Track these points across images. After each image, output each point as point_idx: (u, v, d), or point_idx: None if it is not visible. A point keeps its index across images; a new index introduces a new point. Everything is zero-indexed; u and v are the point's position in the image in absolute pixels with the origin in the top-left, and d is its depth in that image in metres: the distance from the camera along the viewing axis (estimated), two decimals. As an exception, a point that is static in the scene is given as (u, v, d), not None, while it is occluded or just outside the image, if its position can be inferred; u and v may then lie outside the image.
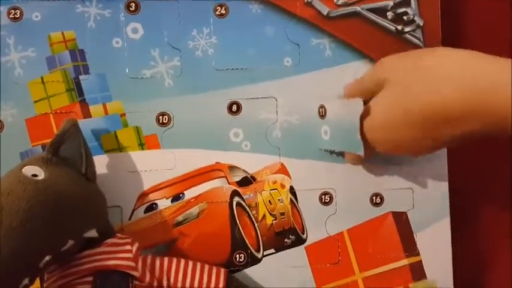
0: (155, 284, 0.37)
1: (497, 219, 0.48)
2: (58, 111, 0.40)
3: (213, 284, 0.38)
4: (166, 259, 0.38)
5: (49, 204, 0.31)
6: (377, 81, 0.37)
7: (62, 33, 0.40)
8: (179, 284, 0.38)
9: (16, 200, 0.30)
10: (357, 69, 0.42)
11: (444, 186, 0.44)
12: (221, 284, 0.39)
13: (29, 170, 0.32)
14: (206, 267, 0.39)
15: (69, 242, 0.33)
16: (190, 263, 0.39)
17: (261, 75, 0.42)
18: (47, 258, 0.31)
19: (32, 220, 0.30)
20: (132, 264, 0.35)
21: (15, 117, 0.40)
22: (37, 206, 0.30)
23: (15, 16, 0.40)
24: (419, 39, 0.43)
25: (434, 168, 0.44)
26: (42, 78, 0.40)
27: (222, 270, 0.39)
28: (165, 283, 0.37)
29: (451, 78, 0.33)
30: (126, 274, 0.35)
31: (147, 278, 0.36)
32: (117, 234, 0.37)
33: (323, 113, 0.42)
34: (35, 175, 0.32)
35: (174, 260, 0.39)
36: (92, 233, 0.35)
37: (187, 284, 0.38)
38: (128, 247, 0.36)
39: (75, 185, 0.35)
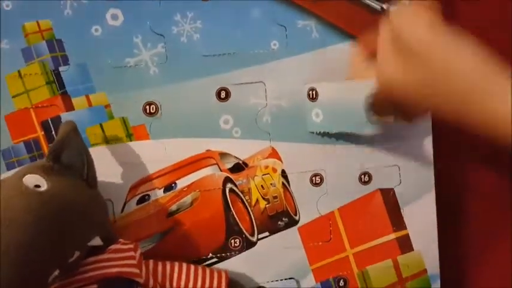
0: None
1: (481, 194, 0.50)
2: (39, 106, 0.39)
3: (215, 286, 0.39)
4: (168, 264, 0.39)
5: (55, 217, 0.30)
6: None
7: (37, 23, 0.38)
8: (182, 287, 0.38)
9: (22, 214, 0.29)
10: (344, 50, 0.42)
11: (429, 161, 0.45)
12: (223, 287, 0.39)
13: (30, 180, 0.31)
14: (207, 270, 0.40)
15: (76, 253, 0.32)
16: (192, 267, 0.39)
17: (249, 59, 0.42)
18: (56, 273, 0.30)
19: (40, 235, 0.29)
20: (136, 270, 0.35)
21: (-7, 114, 0.38)
22: (44, 220, 0.30)
23: (-17, 5, 0.37)
24: (403, 17, 0.44)
25: (420, 145, 0.45)
26: (19, 71, 0.38)
27: (223, 273, 0.40)
28: (167, 287, 0.38)
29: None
30: (130, 281, 0.35)
31: (151, 283, 0.37)
32: (120, 240, 0.36)
33: (314, 96, 0.42)
34: (38, 185, 0.31)
35: (176, 264, 0.39)
36: (96, 241, 0.34)
37: (190, 287, 0.38)
38: (132, 253, 0.36)
39: (79, 193, 0.34)
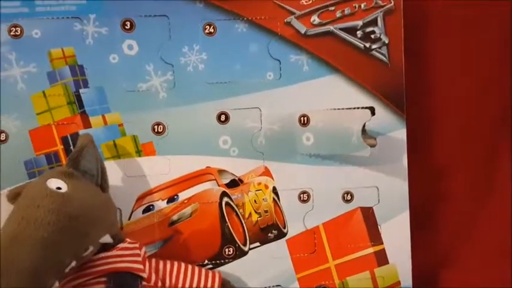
0: (159, 284, 0.41)
1: (452, 211, 0.55)
2: (60, 123, 0.43)
3: (209, 284, 0.43)
4: (168, 262, 0.43)
5: (74, 215, 0.34)
6: None
7: (62, 50, 0.43)
8: (180, 284, 0.42)
9: (46, 212, 0.33)
10: (331, 82, 0.48)
11: (404, 185, 0.50)
12: (216, 285, 0.43)
13: (53, 183, 0.35)
14: (203, 270, 0.44)
15: (90, 248, 0.36)
16: (190, 266, 0.43)
17: (246, 88, 0.47)
18: (73, 264, 0.34)
19: (60, 231, 0.33)
20: (141, 266, 0.39)
21: (18, 128, 0.43)
22: (65, 218, 0.34)
23: (16, 33, 0.42)
24: (384, 55, 0.49)
25: (396, 170, 0.50)
26: (44, 92, 0.43)
27: (217, 273, 0.44)
28: (167, 283, 0.42)
29: None
30: (135, 275, 0.39)
31: (153, 279, 0.40)
32: (127, 239, 0.40)
33: (305, 121, 0.47)
34: (59, 188, 0.35)
35: (176, 263, 0.43)
36: (107, 239, 0.38)
37: (187, 284, 0.42)
38: (137, 251, 0.40)
39: (94, 196, 0.38)
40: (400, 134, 0.50)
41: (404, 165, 0.50)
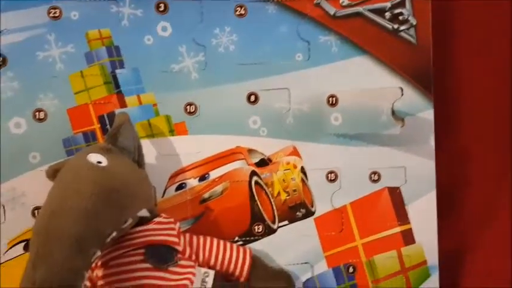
0: (193, 257, 0.43)
1: (478, 193, 0.56)
2: (97, 102, 0.45)
3: (240, 260, 0.45)
4: (201, 237, 0.44)
5: (115, 188, 0.36)
6: None
7: (99, 31, 0.45)
8: (212, 258, 0.44)
9: (89, 184, 0.35)
10: (359, 63, 0.48)
11: (431, 164, 0.50)
12: (247, 260, 0.45)
13: (93, 158, 0.37)
14: (235, 246, 0.45)
15: (129, 220, 0.38)
16: (222, 242, 0.45)
17: (276, 68, 0.48)
18: (114, 234, 0.36)
19: (102, 202, 0.34)
20: (176, 240, 0.41)
21: (57, 107, 0.44)
22: (106, 190, 0.35)
23: (55, 15, 0.44)
24: (412, 36, 0.50)
25: (423, 150, 0.50)
26: (81, 72, 0.44)
27: (248, 249, 0.45)
28: (201, 257, 0.43)
29: None
30: (171, 248, 0.41)
31: (187, 252, 0.42)
32: (162, 214, 0.42)
33: (333, 102, 0.48)
34: (99, 162, 0.37)
35: (208, 238, 0.44)
36: (144, 212, 0.40)
37: (220, 258, 0.44)
38: (172, 225, 0.41)
39: (132, 171, 0.40)
40: (428, 114, 0.50)
41: (431, 145, 0.50)
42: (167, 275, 0.40)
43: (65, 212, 0.34)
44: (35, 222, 0.34)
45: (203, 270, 0.42)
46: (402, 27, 0.49)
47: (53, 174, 0.42)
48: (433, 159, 0.51)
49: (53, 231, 0.33)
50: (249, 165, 0.48)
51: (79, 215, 0.34)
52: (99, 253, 0.35)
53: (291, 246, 0.49)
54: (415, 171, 0.50)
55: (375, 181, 0.50)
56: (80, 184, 0.35)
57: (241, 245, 0.48)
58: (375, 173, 0.50)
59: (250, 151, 0.48)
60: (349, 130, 0.48)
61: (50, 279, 0.31)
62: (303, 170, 0.49)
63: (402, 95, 0.49)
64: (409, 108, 0.50)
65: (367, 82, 0.49)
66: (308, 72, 0.48)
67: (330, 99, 0.48)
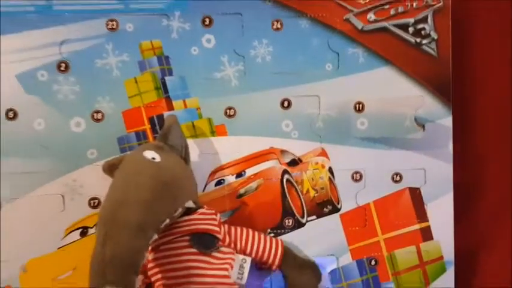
0: (232, 245, 0.47)
1: (493, 195, 0.59)
2: (148, 105, 0.50)
3: (273, 249, 0.49)
4: (239, 228, 0.49)
5: (168, 181, 0.41)
6: None
7: (151, 42, 0.50)
8: (248, 247, 0.48)
9: (147, 178, 0.40)
10: (384, 73, 0.53)
11: (449, 168, 0.54)
12: (280, 250, 0.49)
13: (148, 154, 0.42)
14: (268, 237, 0.50)
15: (179, 210, 0.42)
16: (257, 233, 0.49)
17: (308, 77, 0.52)
18: (167, 221, 0.41)
19: (158, 194, 0.39)
20: (217, 229, 0.46)
21: (113, 109, 0.50)
22: (161, 183, 0.40)
23: (112, 27, 0.49)
24: (433, 49, 0.54)
25: (442, 154, 0.54)
26: (135, 78, 0.50)
27: (280, 240, 0.50)
28: (238, 246, 0.48)
29: None
30: (213, 236, 0.45)
31: (227, 240, 0.47)
32: (204, 206, 0.47)
33: (360, 108, 0.52)
34: (154, 158, 0.42)
35: (245, 229, 0.49)
36: (190, 204, 0.44)
37: (255, 247, 0.49)
38: (214, 216, 0.46)
39: (181, 166, 0.45)
40: (447, 121, 0.54)
41: (449, 150, 0.54)
42: (210, 260, 0.44)
43: (128, 202, 0.38)
44: (101, 209, 0.39)
45: (241, 257, 0.47)
46: (424, 41, 0.54)
47: (108, 168, 0.48)
48: (451, 162, 0.55)
49: (119, 218, 0.38)
50: (281, 164, 0.53)
51: (140, 204, 0.39)
52: (155, 236, 0.40)
53: (318, 239, 0.53)
54: (434, 173, 0.54)
55: (396, 182, 0.54)
56: (139, 178, 0.40)
57: (273, 237, 0.52)
58: (397, 174, 0.54)
59: (283, 152, 0.53)
60: (374, 134, 0.53)
61: (117, 256, 0.36)
62: (330, 170, 0.54)
63: (422, 105, 0.53)
64: (429, 115, 0.54)
65: (391, 91, 0.53)
66: (337, 81, 0.53)
67: (357, 105, 0.53)
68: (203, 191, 0.52)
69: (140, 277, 0.42)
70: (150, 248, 0.44)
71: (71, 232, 0.49)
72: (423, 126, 0.54)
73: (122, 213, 0.38)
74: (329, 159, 0.53)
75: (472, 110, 0.59)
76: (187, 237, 0.44)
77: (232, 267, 0.46)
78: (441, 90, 0.54)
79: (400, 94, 0.53)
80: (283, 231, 0.53)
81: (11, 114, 0.48)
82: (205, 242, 0.45)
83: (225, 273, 0.45)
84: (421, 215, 0.55)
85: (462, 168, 0.56)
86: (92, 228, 0.50)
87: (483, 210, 0.59)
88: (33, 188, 0.48)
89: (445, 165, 0.54)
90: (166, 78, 0.50)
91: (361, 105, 0.53)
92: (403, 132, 0.53)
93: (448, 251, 0.55)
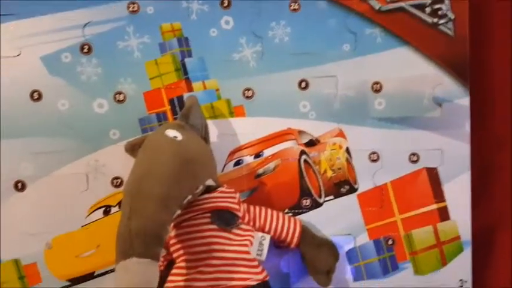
0: (251, 223, 0.48)
1: (510, 174, 0.59)
2: (168, 87, 0.51)
3: (292, 228, 0.50)
4: (257, 207, 0.50)
5: (189, 158, 0.42)
6: None
7: (171, 24, 0.51)
8: (267, 225, 0.49)
9: (169, 155, 0.41)
10: (401, 53, 0.53)
11: (466, 148, 0.55)
12: (298, 228, 0.50)
13: (171, 133, 0.43)
14: (286, 216, 0.51)
15: (200, 187, 0.43)
16: (275, 212, 0.50)
17: (325, 58, 0.53)
18: (189, 197, 0.42)
19: (180, 170, 0.40)
20: (237, 207, 0.47)
21: (134, 90, 0.51)
22: (183, 160, 0.41)
23: (133, 9, 0.50)
24: (450, 29, 0.54)
25: (459, 134, 0.54)
26: (156, 60, 0.51)
27: (298, 220, 0.51)
28: (257, 224, 0.49)
29: None
30: (233, 213, 0.46)
31: (246, 218, 0.48)
32: (224, 185, 0.48)
33: (377, 88, 0.53)
34: (176, 137, 0.43)
35: (263, 208, 0.50)
36: (210, 182, 0.45)
37: (273, 226, 0.49)
38: (233, 195, 0.47)
39: (201, 145, 0.46)
40: (464, 101, 0.54)
41: (467, 130, 0.55)
42: (230, 236, 0.45)
43: (152, 176, 0.40)
44: (125, 184, 0.40)
45: (260, 234, 0.48)
46: (441, 21, 0.54)
47: (130, 148, 0.49)
48: (468, 142, 0.55)
49: (143, 191, 0.39)
50: (299, 145, 0.54)
51: (164, 179, 0.40)
52: (178, 212, 0.41)
53: (335, 219, 0.54)
54: (451, 153, 0.54)
55: (414, 162, 0.54)
56: (162, 155, 0.41)
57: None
58: (414, 154, 0.54)
59: (300, 132, 0.54)
60: (392, 114, 0.53)
61: (142, 228, 0.37)
62: (347, 151, 0.54)
63: (441, 83, 0.53)
64: (446, 95, 0.54)
65: (409, 71, 0.53)
66: (354, 61, 0.53)
67: (374, 85, 0.53)
68: (222, 171, 0.52)
69: (163, 251, 0.43)
70: (172, 224, 0.45)
71: (94, 211, 0.51)
72: (440, 106, 0.54)
73: (146, 187, 0.39)
74: (346, 139, 0.54)
75: (489, 90, 0.59)
76: (208, 215, 0.45)
77: (251, 244, 0.47)
78: (458, 70, 0.54)
79: (418, 73, 0.53)
80: (300, 211, 0.53)
81: (35, 96, 0.49)
82: (226, 219, 0.46)
83: (245, 249, 0.46)
84: (438, 195, 0.55)
85: (479, 148, 0.56)
86: (114, 207, 0.51)
87: (500, 190, 0.59)
88: (57, 167, 0.50)
89: (462, 145, 0.55)
90: (186, 59, 0.51)
91: (378, 86, 0.53)
92: (421, 111, 0.54)
93: (465, 230, 0.55)
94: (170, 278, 0.45)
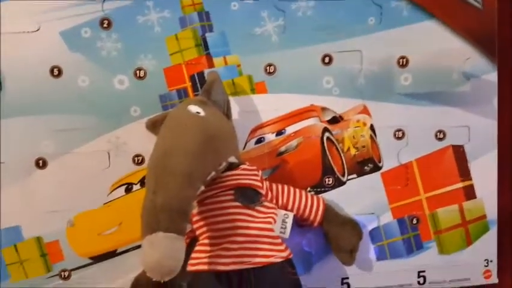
0: (274, 201, 0.48)
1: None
2: (189, 62, 0.50)
3: (315, 206, 0.49)
4: (280, 185, 0.49)
5: (212, 134, 0.41)
6: None
7: (192, -2, 0.50)
8: (290, 203, 0.48)
9: (192, 129, 0.40)
10: (428, 27, 0.51)
11: (494, 125, 0.53)
12: (321, 207, 0.49)
13: (193, 109, 0.42)
14: (309, 194, 0.50)
15: (223, 164, 0.43)
16: (298, 190, 0.49)
17: (349, 32, 0.51)
18: (213, 173, 0.41)
19: (204, 145, 0.39)
20: (260, 184, 0.46)
21: (155, 66, 0.50)
22: (206, 135, 0.40)
23: (153, -17, 0.49)
24: (478, 2, 0.52)
25: (487, 111, 0.53)
26: (176, 35, 0.50)
27: (321, 198, 0.50)
28: (280, 202, 0.48)
29: None
30: (256, 191, 0.45)
31: (269, 196, 0.47)
32: (246, 162, 0.47)
33: (403, 63, 0.51)
34: (198, 112, 0.42)
35: (286, 186, 0.49)
36: (233, 159, 0.45)
37: (296, 204, 0.49)
38: (256, 172, 0.46)
39: (224, 121, 0.45)
40: (492, 77, 0.53)
41: (494, 106, 0.53)
42: (254, 213, 0.45)
43: (176, 151, 0.39)
44: (150, 160, 0.40)
45: (283, 212, 0.47)
46: (469, -7, 0.52)
47: (152, 125, 0.48)
48: (496, 119, 0.53)
49: (168, 166, 0.38)
50: (321, 122, 0.53)
51: (188, 154, 0.39)
52: (202, 188, 0.40)
53: (358, 198, 0.53)
54: (478, 130, 0.53)
55: (440, 139, 0.53)
56: (186, 130, 0.40)
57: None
58: (440, 131, 0.53)
59: (323, 109, 0.53)
60: (418, 89, 0.52)
61: (167, 203, 0.37)
62: (372, 128, 0.53)
63: (469, 57, 0.52)
64: (473, 70, 0.52)
65: (436, 45, 0.52)
66: (380, 35, 0.51)
67: (401, 60, 0.52)
68: (243, 149, 0.52)
69: (189, 226, 0.42)
70: (196, 201, 0.45)
71: (116, 188, 0.50)
72: (468, 80, 0.52)
73: (170, 162, 0.38)
74: (371, 116, 0.53)
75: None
76: (231, 192, 0.45)
77: (275, 222, 0.46)
78: (486, 44, 0.52)
79: (445, 47, 0.52)
80: (323, 189, 0.53)
81: (55, 72, 0.49)
82: (249, 196, 0.45)
83: (269, 226, 0.45)
84: (465, 173, 0.54)
85: (507, 126, 0.54)
86: (136, 184, 0.50)
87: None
88: (78, 144, 0.49)
89: (489, 122, 0.53)
90: (207, 34, 0.50)
91: (404, 60, 0.51)
92: (449, 86, 0.52)
93: (491, 209, 0.54)
94: (193, 255, 0.44)
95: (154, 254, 0.35)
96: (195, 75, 0.50)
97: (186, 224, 0.38)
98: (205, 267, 0.43)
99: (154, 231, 0.36)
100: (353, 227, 0.51)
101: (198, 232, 0.45)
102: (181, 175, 0.38)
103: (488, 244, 0.54)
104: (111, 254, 0.51)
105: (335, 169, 0.53)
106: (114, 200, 0.50)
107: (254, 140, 0.52)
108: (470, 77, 0.52)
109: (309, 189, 0.52)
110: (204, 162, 0.40)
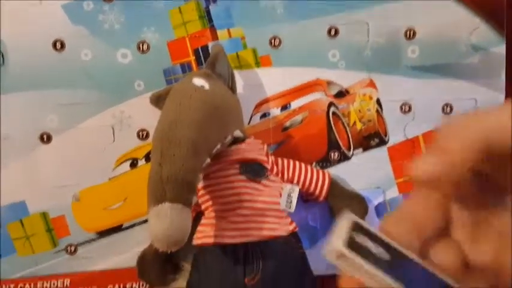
0: (279, 175, 0.47)
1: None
2: (192, 35, 0.50)
3: (320, 180, 0.49)
4: (285, 159, 0.48)
5: (217, 105, 0.41)
6: None
7: (194, -31, 0.49)
8: (296, 178, 0.48)
9: (197, 101, 0.40)
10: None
11: (501, 98, 0.52)
12: (327, 181, 0.49)
13: (198, 82, 0.42)
14: (315, 169, 0.50)
15: (228, 137, 0.42)
16: (303, 164, 0.49)
17: (356, 3, 0.50)
18: (218, 146, 0.41)
19: (209, 116, 0.39)
20: (265, 158, 0.46)
21: (158, 40, 0.49)
22: (211, 107, 0.40)
23: (155, -45, 0.48)
24: (488, -28, 0.51)
25: (494, 83, 0.52)
26: (179, 7, 0.49)
27: (327, 172, 0.50)
28: (285, 176, 0.48)
29: None
30: (261, 165, 0.45)
31: (275, 170, 0.47)
32: (251, 136, 0.46)
33: (410, 35, 0.50)
34: (202, 86, 0.42)
35: (291, 161, 0.49)
36: (238, 133, 0.44)
37: (302, 178, 0.48)
38: (261, 146, 0.46)
39: (229, 94, 0.44)
40: (500, 49, 0.52)
41: (502, 79, 0.52)
42: (260, 187, 0.45)
43: (181, 122, 0.38)
44: (155, 132, 0.39)
45: (289, 186, 0.47)
46: (479, -37, 0.51)
47: (156, 100, 0.48)
48: (503, 92, 0.52)
49: (173, 137, 0.38)
50: (327, 96, 0.52)
51: (193, 125, 0.39)
52: (208, 160, 0.40)
53: (364, 173, 0.53)
54: (486, 103, 0.52)
55: (447, 113, 0.53)
56: (190, 101, 0.40)
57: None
58: (447, 105, 0.52)
59: (329, 83, 0.52)
60: (425, 62, 0.51)
61: (173, 174, 0.36)
62: (378, 102, 0.52)
63: (477, 27, 0.51)
64: (481, 42, 0.51)
65: (443, 16, 0.51)
66: (386, 6, 0.50)
67: (408, 32, 0.51)
68: (248, 123, 0.51)
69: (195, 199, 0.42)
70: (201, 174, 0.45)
71: (121, 163, 0.50)
72: (476, 51, 0.51)
73: (176, 133, 0.38)
74: (377, 90, 0.52)
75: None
76: (236, 165, 0.45)
77: (280, 196, 0.46)
78: (494, 16, 0.51)
79: (453, 19, 0.51)
80: (328, 164, 0.52)
81: (58, 45, 0.48)
82: (255, 170, 0.45)
83: (275, 199, 0.45)
84: (472, 148, 0.53)
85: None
86: (141, 159, 0.50)
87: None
88: (82, 119, 0.49)
89: (497, 95, 0.52)
90: (210, 6, 0.49)
91: (412, 32, 0.51)
92: (457, 58, 0.51)
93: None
94: (199, 228, 0.44)
95: (161, 224, 0.35)
96: (199, 49, 0.50)
97: (193, 196, 0.37)
98: (211, 240, 0.43)
99: (160, 202, 0.36)
100: (359, 201, 0.51)
101: (203, 206, 0.45)
102: (187, 146, 0.38)
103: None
104: (117, 229, 0.51)
105: (341, 144, 0.52)
106: (119, 175, 0.50)
107: (259, 114, 0.52)
108: (478, 49, 0.51)
109: (314, 164, 0.52)
110: (209, 133, 0.40)
